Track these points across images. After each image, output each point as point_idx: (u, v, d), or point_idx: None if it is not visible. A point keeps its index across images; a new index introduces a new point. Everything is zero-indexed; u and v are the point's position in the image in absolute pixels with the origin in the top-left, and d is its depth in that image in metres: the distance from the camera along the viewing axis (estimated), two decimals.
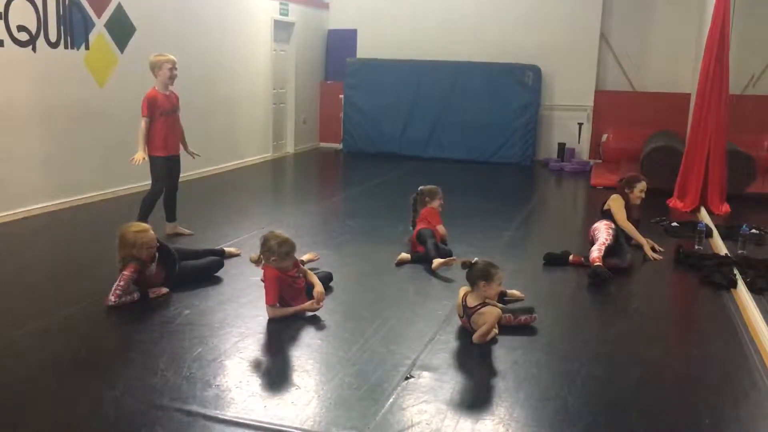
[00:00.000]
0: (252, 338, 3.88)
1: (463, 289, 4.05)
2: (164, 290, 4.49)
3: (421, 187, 5.90)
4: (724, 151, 7.75)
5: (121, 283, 4.29)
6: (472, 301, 3.94)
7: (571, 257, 5.44)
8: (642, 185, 5.83)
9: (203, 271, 4.86)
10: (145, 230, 4.45)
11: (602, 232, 5.47)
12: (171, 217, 6.06)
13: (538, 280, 5.14)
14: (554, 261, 5.46)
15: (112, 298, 4.24)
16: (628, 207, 5.76)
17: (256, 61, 10.39)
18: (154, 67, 5.81)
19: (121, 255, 4.38)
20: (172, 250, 4.68)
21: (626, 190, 5.81)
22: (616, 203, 5.73)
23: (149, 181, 5.97)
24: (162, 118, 5.79)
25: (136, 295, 4.36)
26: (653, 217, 7.02)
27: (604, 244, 5.31)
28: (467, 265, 4.03)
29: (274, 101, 11.07)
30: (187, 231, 6.05)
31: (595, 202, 7.69)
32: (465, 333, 3.97)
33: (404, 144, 11.60)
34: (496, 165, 11.01)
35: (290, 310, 4.16)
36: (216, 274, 4.90)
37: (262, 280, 4.25)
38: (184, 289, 4.55)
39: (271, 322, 4.09)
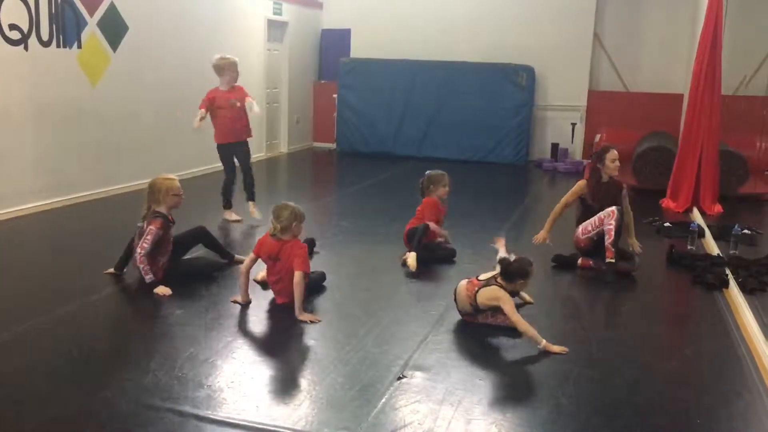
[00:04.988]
0: (244, 338, 3.87)
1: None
2: (168, 291, 4.45)
3: (428, 172, 5.70)
4: (717, 151, 7.77)
5: (149, 237, 4.45)
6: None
7: (579, 261, 5.39)
8: (612, 154, 5.44)
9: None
10: (172, 179, 4.70)
11: (610, 218, 5.20)
12: (228, 203, 6.69)
13: (530, 281, 5.13)
14: (562, 263, 5.40)
15: (139, 250, 4.43)
16: (599, 185, 5.46)
17: (250, 61, 10.35)
18: (220, 69, 6.42)
19: (147, 204, 4.59)
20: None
21: (598, 165, 5.49)
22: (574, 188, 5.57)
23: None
24: (220, 111, 6.43)
25: (151, 276, 4.47)
26: (646, 218, 7.03)
27: (612, 230, 5.15)
28: (506, 262, 4.07)
29: (268, 101, 11.04)
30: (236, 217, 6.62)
31: None
32: (458, 333, 3.97)
33: (398, 144, 11.60)
34: (490, 165, 11.02)
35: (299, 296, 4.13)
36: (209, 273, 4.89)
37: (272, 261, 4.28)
38: (177, 289, 4.53)
39: (263, 323, 4.08)
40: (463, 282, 4.18)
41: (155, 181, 4.66)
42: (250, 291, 4.43)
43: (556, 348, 3.74)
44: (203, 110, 6.30)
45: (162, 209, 4.60)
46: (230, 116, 6.48)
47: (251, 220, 6.60)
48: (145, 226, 4.55)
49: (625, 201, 5.54)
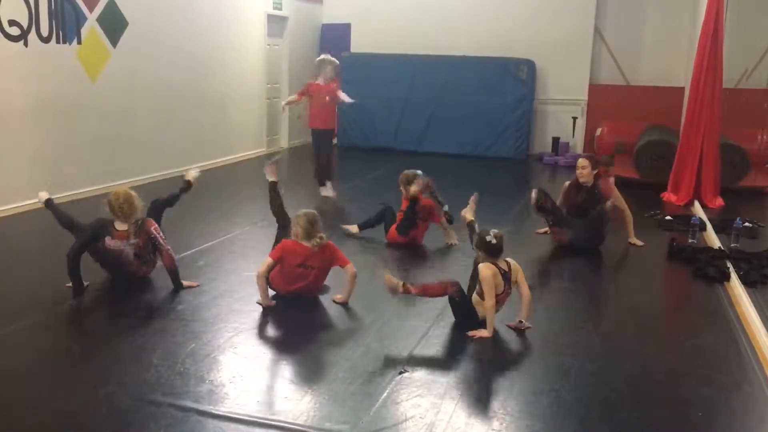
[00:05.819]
0: (246, 334, 3.87)
1: (491, 267, 3.88)
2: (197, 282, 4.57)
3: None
4: (718, 144, 7.76)
5: (161, 235, 4.48)
6: (506, 266, 3.96)
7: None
8: (579, 161, 5.94)
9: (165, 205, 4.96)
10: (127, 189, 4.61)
11: None
12: (321, 181, 7.71)
13: (531, 275, 5.13)
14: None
15: (170, 250, 4.48)
16: (576, 188, 5.87)
17: (250, 56, 10.35)
18: (320, 67, 7.62)
19: (127, 220, 4.46)
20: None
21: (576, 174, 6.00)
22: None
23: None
24: (312, 101, 7.59)
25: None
26: (647, 211, 7.03)
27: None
28: (497, 238, 3.92)
29: (268, 96, 11.04)
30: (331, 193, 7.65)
31: None
32: (458, 328, 3.96)
33: (398, 139, 11.58)
34: (491, 159, 11.00)
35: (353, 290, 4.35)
36: (210, 270, 4.89)
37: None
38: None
39: (264, 318, 4.09)
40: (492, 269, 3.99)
41: (131, 196, 4.47)
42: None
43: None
44: (296, 96, 7.71)
45: (132, 220, 4.48)
46: (319, 106, 7.59)
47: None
48: (131, 237, 4.44)
49: (619, 201, 5.83)
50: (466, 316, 4.00)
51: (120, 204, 4.42)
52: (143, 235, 4.45)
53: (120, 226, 4.45)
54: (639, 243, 5.85)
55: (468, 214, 4.65)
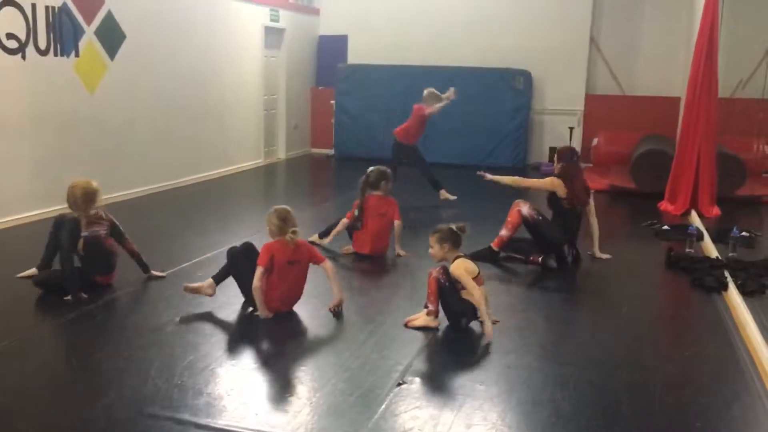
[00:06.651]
0: (243, 346, 3.87)
1: (458, 263, 4.09)
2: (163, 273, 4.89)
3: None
4: (714, 154, 7.79)
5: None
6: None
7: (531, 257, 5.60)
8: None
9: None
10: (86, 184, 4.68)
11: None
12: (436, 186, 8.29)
13: (530, 284, 5.14)
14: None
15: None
16: None
17: (247, 68, 10.38)
18: (431, 99, 8.29)
19: (86, 210, 4.59)
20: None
21: None
22: None
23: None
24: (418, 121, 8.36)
25: None
26: (644, 221, 7.05)
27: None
28: (463, 231, 4.17)
29: (265, 107, 11.06)
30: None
31: None
32: (457, 338, 3.96)
33: None
34: (488, 169, 10.97)
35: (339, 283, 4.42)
36: None
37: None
38: (175, 297, 4.53)
39: (261, 330, 4.08)
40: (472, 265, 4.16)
41: (94, 189, 4.63)
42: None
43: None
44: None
45: (90, 212, 4.62)
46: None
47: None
48: (98, 223, 4.63)
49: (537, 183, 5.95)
50: (457, 305, 4.06)
51: (75, 199, 4.59)
52: (108, 219, 4.71)
53: (84, 216, 4.59)
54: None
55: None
